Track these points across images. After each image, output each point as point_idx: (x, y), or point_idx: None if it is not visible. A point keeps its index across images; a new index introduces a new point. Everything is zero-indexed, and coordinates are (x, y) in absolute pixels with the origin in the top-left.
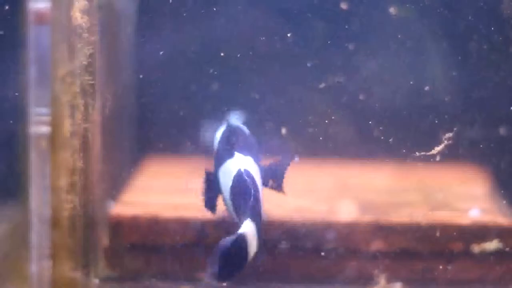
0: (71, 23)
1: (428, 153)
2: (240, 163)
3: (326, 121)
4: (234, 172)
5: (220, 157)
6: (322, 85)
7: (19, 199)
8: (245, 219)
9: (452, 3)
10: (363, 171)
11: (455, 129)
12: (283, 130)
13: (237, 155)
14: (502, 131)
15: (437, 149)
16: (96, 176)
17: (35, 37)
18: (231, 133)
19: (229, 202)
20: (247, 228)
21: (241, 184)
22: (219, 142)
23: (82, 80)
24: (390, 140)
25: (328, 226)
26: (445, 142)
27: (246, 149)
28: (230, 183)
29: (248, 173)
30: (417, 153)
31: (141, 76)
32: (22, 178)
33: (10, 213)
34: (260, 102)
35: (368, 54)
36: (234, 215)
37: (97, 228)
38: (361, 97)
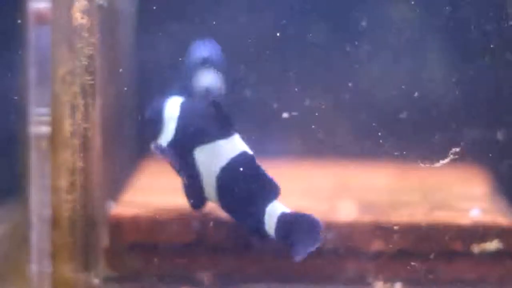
0: (71, 23)
1: (433, 165)
2: (236, 143)
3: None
4: (228, 154)
5: (199, 134)
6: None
7: (20, 199)
8: (271, 202)
9: None
10: (363, 171)
11: (462, 143)
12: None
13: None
14: (502, 131)
15: (443, 162)
16: (96, 176)
17: (36, 37)
18: (217, 106)
19: (214, 186)
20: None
21: (247, 167)
22: (191, 115)
23: (82, 80)
24: (391, 144)
25: (328, 226)
26: (451, 156)
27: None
28: (219, 165)
29: (246, 154)
30: (421, 163)
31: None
32: (22, 178)
33: (10, 213)
34: (259, 102)
35: (369, 51)
36: (216, 200)
37: (97, 228)
38: (362, 96)
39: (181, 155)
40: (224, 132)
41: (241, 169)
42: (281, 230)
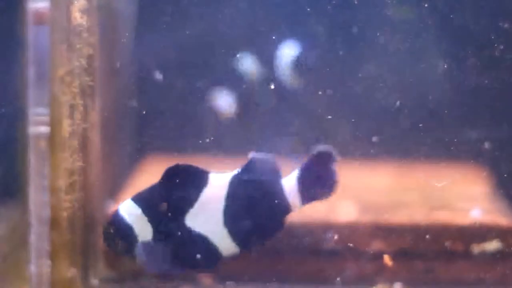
0: (70, 23)
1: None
2: (217, 180)
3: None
4: (219, 194)
5: (181, 204)
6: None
7: (18, 200)
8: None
9: None
10: (363, 171)
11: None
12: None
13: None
14: (502, 130)
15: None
16: (95, 176)
17: (34, 37)
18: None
19: (224, 232)
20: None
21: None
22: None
23: (81, 81)
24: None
25: (328, 226)
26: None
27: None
28: (220, 209)
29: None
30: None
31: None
32: (21, 178)
33: (9, 214)
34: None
35: (367, 51)
36: (231, 242)
37: (96, 229)
38: (361, 96)
39: (173, 235)
40: (200, 182)
41: (241, 195)
42: (305, 191)
